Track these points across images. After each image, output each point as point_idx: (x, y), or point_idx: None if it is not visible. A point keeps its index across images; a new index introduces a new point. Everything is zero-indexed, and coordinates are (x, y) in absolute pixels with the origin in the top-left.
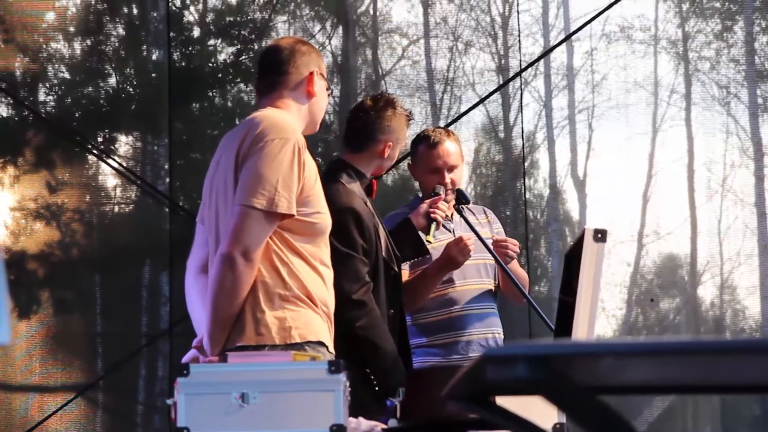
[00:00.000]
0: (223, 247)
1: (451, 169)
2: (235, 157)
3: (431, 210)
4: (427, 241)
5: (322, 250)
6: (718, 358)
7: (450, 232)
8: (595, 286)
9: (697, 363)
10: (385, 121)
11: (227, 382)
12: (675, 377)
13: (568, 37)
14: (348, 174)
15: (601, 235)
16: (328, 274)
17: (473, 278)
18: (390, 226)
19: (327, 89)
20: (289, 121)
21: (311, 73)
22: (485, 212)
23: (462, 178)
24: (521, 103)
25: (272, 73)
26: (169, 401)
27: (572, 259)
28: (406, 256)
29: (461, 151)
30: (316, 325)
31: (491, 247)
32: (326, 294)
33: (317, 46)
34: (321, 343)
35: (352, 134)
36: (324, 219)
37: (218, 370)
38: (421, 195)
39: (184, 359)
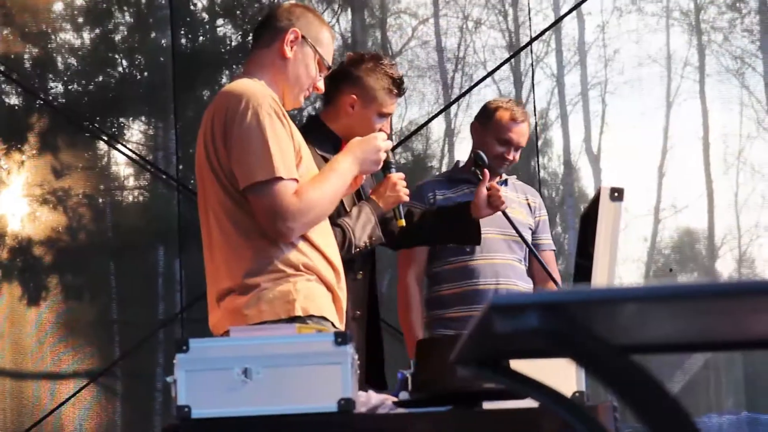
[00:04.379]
0: (272, 232)
1: (518, 148)
2: (205, 148)
3: (500, 204)
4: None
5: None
6: (760, 302)
7: None
8: (612, 247)
9: (734, 310)
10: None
11: (229, 357)
12: (706, 328)
13: (577, 6)
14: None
15: (617, 194)
16: (329, 248)
17: (497, 252)
18: (428, 192)
19: (320, 64)
20: (252, 86)
21: (289, 31)
22: (527, 194)
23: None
24: (533, 80)
25: (255, 32)
26: (169, 379)
27: (588, 221)
28: (456, 241)
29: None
30: (320, 298)
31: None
32: (329, 268)
33: None
34: (325, 318)
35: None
36: None
37: (219, 345)
38: (461, 165)
39: None
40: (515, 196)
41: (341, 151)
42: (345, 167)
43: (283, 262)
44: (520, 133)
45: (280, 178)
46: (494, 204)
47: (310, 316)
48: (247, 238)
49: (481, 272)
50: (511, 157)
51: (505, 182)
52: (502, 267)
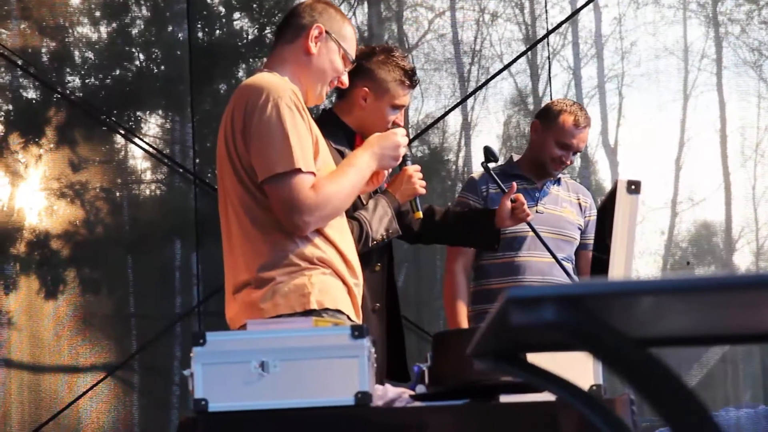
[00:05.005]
0: (288, 225)
1: (576, 152)
2: (225, 143)
3: (524, 217)
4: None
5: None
6: None
7: (534, 201)
8: (630, 240)
9: (752, 302)
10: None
11: (246, 350)
12: (724, 321)
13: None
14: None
15: (634, 187)
16: (343, 243)
17: (544, 250)
18: (481, 185)
19: (344, 59)
20: (272, 80)
21: (312, 27)
22: (578, 193)
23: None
24: (550, 73)
25: (278, 28)
26: (186, 372)
27: (605, 214)
28: (474, 245)
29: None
30: (335, 291)
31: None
32: (342, 263)
33: None
34: (340, 311)
35: None
36: None
37: (236, 338)
38: (515, 159)
39: None
40: (567, 195)
41: (360, 146)
42: (363, 162)
43: (298, 256)
44: (582, 139)
45: (299, 171)
46: (518, 216)
47: (325, 310)
48: (264, 232)
49: (528, 269)
50: (569, 162)
51: (558, 181)
52: (548, 265)
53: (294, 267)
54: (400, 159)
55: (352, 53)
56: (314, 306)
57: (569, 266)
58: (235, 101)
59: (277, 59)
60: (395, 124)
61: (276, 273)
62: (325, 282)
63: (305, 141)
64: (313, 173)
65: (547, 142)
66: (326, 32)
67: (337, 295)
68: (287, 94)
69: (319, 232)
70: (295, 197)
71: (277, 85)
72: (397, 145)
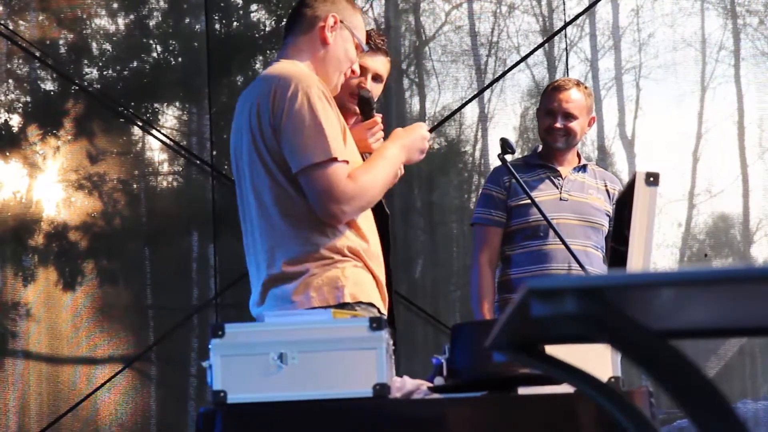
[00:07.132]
0: (325, 215)
1: (566, 115)
2: (251, 135)
3: None
4: None
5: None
6: None
7: (557, 188)
8: (648, 232)
9: None
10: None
11: (264, 342)
12: (742, 314)
13: None
14: None
15: (653, 179)
16: (370, 233)
17: (572, 238)
18: (503, 176)
19: (356, 47)
20: (299, 70)
21: (327, 17)
22: (606, 180)
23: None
24: (567, 65)
25: (289, 20)
26: (205, 364)
27: (623, 206)
28: None
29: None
30: (367, 283)
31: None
32: (372, 253)
33: None
34: (372, 305)
35: None
36: None
37: (255, 330)
38: (539, 150)
39: None
40: (594, 182)
41: (388, 139)
42: (394, 154)
43: (328, 248)
44: (563, 99)
45: (335, 160)
46: None
47: (359, 303)
48: (293, 225)
49: (554, 257)
50: (559, 125)
51: (584, 168)
52: (576, 253)
53: (326, 259)
54: (425, 151)
55: (364, 42)
56: (348, 299)
57: (599, 254)
58: (261, 92)
59: (292, 50)
60: (360, 87)
61: (308, 265)
62: (358, 274)
63: (337, 130)
64: (347, 162)
65: (540, 119)
66: (340, 21)
67: (368, 288)
68: (315, 84)
69: (349, 223)
70: (333, 186)
71: (305, 74)
72: (424, 137)
